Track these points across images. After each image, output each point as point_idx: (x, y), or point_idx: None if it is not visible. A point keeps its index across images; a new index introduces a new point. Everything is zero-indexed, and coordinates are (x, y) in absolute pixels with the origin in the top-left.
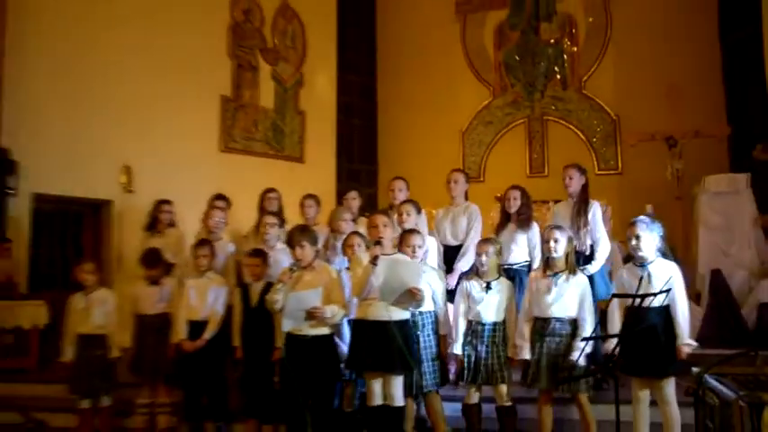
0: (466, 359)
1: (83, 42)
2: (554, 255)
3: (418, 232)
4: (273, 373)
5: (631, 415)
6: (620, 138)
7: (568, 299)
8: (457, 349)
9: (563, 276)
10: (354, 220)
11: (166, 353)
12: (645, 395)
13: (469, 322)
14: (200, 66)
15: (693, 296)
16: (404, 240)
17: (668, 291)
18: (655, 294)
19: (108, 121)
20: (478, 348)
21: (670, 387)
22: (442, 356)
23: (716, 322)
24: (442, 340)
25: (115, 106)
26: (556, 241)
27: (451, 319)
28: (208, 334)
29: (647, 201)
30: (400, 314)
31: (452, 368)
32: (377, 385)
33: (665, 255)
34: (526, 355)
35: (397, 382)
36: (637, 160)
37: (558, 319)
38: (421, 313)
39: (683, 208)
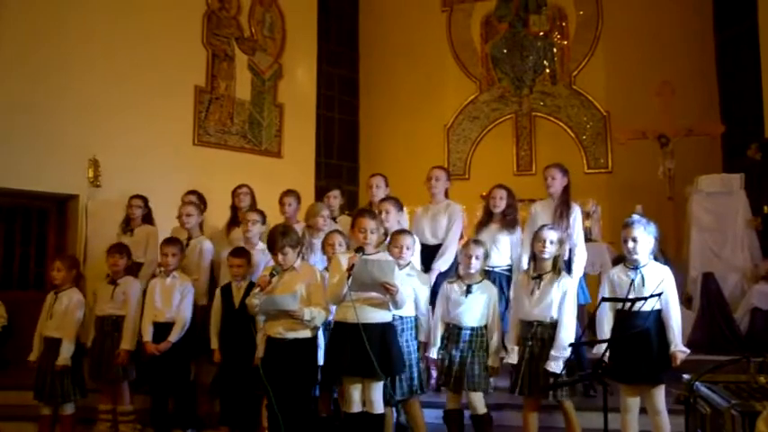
0: (439, 363)
1: (47, 27)
2: (545, 256)
3: (409, 233)
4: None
5: (619, 423)
6: (610, 135)
7: (551, 301)
8: (433, 353)
9: (546, 278)
10: (335, 219)
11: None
12: (635, 403)
13: (446, 325)
14: (173, 54)
15: (684, 300)
16: (393, 240)
17: (659, 294)
18: (645, 298)
19: (74, 112)
20: (453, 353)
21: (661, 395)
22: (423, 363)
23: (707, 327)
24: (422, 347)
25: (82, 95)
26: (551, 243)
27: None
28: (173, 337)
29: (638, 201)
30: (381, 316)
31: (434, 373)
32: (355, 391)
33: (656, 257)
34: (513, 359)
35: (377, 388)
36: (627, 159)
37: (540, 323)
38: (400, 318)
39: (675, 209)
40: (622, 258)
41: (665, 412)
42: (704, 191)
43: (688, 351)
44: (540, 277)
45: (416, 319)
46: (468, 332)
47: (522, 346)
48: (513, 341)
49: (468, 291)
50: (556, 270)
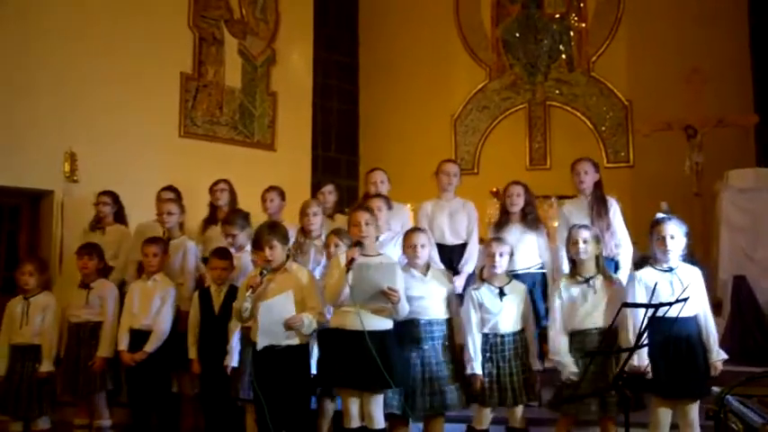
0: (487, 378)
1: (18, 7)
2: (582, 257)
3: (421, 230)
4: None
5: None
6: (632, 126)
7: (608, 306)
8: (477, 369)
9: (598, 281)
10: (331, 217)
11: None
12: (668, 419)
13: (485, 336)
14: (157, 38)
15: (714, 305)
16: (405, 239)
17: (686, 300)
18: (670, 304)
19: (49, 100)
20: (501, 365)
21: (696, 410)
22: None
23: (739, 335)
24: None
25: (58, 83)
26: (585, 242)
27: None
28: (149, 346)
29: (662, 197)
30: (380, 324)
31: None
32: (353, 405)
33: (686, 259)
34: (571, 372)
35: (377, 402)
36: (651, 152)
37: (598, 330)
38: (429, 321)
39: (703, 206)
40: (645, 260)
41: (698, 428)
42: (735, 187)
43: (727, 357)
44: (588, 281)
45: (447, 321)
46: (510, 338)
47: (579, 359)
48: (565, 352)
49: (502, 293)
50: (601, 271)
